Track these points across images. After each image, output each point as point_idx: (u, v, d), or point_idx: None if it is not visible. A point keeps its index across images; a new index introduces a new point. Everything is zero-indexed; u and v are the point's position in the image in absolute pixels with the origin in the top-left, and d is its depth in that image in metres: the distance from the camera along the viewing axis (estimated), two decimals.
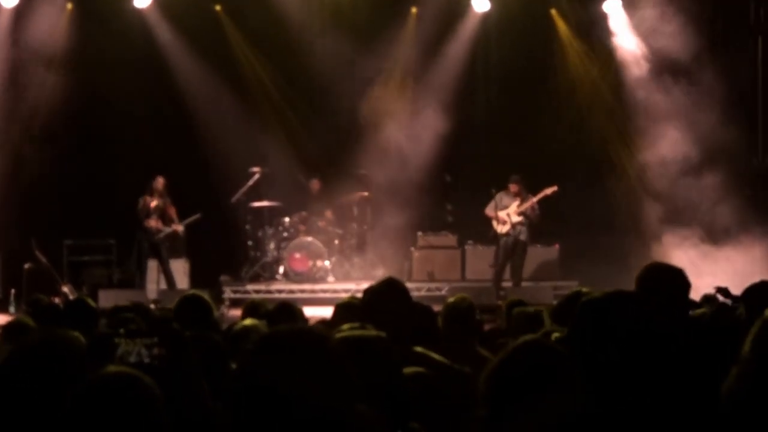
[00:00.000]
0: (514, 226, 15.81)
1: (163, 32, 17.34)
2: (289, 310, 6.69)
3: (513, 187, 15.86)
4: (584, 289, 6.35)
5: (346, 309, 5.94)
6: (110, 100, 16.86)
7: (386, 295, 4.62)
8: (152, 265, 16.10)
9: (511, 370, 2.90)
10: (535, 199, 15.73)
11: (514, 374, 2.89)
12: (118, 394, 2.46)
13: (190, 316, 5.58)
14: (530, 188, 15.94)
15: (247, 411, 2.30)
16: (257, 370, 2.32)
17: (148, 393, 2.51)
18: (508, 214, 15.81)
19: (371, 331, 3.44)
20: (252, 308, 7.29)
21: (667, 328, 2.95)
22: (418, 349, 4.52)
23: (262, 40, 17.62)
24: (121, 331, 3.05)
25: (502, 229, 15.83)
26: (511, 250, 15.88)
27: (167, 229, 15.77)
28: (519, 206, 15.76)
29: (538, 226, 16.03)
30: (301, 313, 6.78)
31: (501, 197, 15.90)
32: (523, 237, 15.85)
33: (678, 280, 4.48)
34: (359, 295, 5.12)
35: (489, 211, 15.98)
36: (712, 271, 13.94)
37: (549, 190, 15.69)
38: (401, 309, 4.57)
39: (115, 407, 2.43)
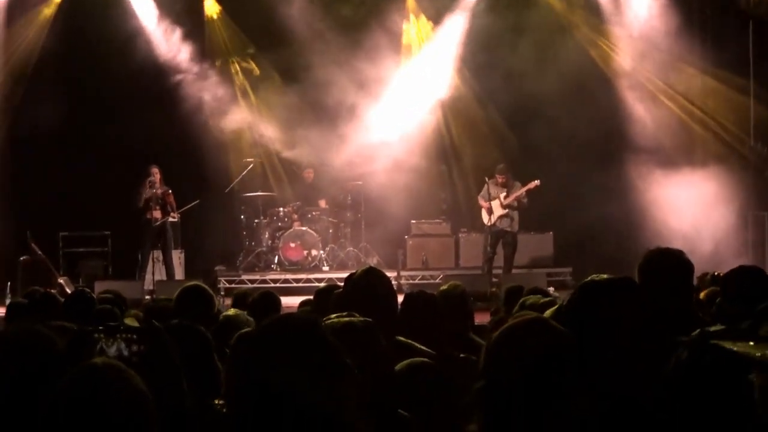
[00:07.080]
0: (500, 217, 15.69)
1: (152, 21, 17.31)
2: (270, 300, 6.77)
3: (499, 178, 15.76)
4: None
5: (325, 294, 6.01)
6: (103, 91, 16.86)
7: (366, 284, 4.60)
8: (149, 255, 16.09)
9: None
10: (518, 193, 15.60)
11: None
12: (108, 383, 2.45)
13: (191, 307, 5.47)
14: (527, 176, 15.82)
15: (243, 407, 2.30)
16: (249, 365, 2.32)
17: (137, 383, 2.52)
18: (492, 205, 15.69)
19: (358, 318, 3.45)
20: (241, 298, 7.40)
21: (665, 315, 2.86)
22: (401, 338, 4.54)
23: (255, 32, 17.63)
24: (100, 327, 3.07)
25: (488, 219, 15.73)
26: (497, 241, 15.78)
27: (168, 219, 15.76)
28: (505, 198, 15.65)
29: (531, 213, 15.99)
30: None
31: (488, 187, 15.71)
32: (509, 228, 15.74)
33: (680, 261, 4.44)
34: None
35: (480, 200, 15.91)
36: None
37: (532, 185, 15.57)
38: (382, 298, 4.55)
39: (107, 396, 2.42)
